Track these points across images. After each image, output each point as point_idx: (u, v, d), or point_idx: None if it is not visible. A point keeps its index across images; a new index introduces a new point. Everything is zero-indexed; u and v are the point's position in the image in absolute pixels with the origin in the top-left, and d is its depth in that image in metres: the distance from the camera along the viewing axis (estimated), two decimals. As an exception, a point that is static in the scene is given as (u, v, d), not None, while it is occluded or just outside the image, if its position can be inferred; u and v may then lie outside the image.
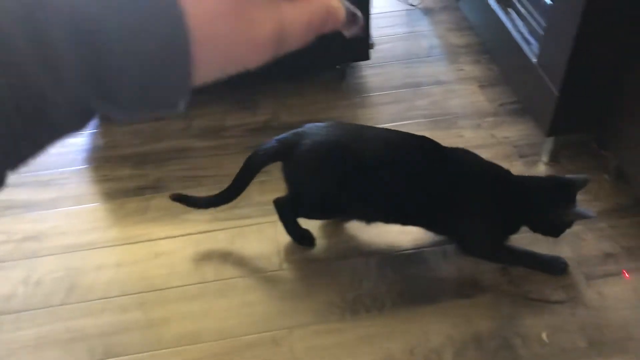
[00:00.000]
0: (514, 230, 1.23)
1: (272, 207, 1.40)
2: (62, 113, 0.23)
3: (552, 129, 1.39)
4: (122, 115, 0.25)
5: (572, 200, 1.16)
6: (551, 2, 1.31)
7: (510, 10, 1.62)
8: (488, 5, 1.65)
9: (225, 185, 1.43)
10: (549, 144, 1.48)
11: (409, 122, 1.64)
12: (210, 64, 0.25)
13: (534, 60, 1.41)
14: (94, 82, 0.23)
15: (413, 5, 2.11)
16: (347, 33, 0.33)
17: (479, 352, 1.14)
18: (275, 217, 1.38)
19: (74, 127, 0.25)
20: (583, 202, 1.39)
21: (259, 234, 1.36)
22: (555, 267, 1.25)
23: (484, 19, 1.74)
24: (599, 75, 1.30)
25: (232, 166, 1.50)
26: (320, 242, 1.34)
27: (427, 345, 1.15)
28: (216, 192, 1.45)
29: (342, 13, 0.31)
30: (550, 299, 1.22)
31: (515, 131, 1.60)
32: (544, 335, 1.16)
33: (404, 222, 1.25)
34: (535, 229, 1.21)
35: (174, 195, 1.28)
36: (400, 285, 1.26)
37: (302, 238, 1.33)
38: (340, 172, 1.16)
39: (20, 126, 0.22)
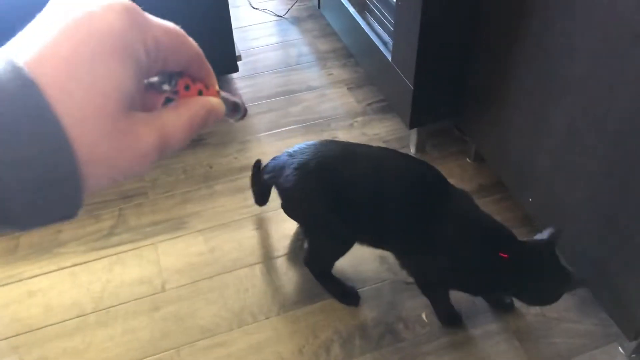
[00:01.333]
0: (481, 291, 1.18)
1: (150, 229, 1.38)
2: None
3: (413, 121, 1.47)
4: (21, 231, 0.27)
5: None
6: (396, 1, 1.39)
7: (366, 13, 1.70)
8: (347, 11, 1.72)
9: (100, 213, 1.39)
10: (414, 135, 1.57)
11: (284, 129, 1.68)
12: (99, 177, 0.27)
13: (390, 58, 1.49)
14: None
15: (280, 16, 2.16)
16: (232, 120, 0.36)
17: (365, 341, 1.18)
18: (155, 239, 1.36)
19: None
20: (449, 186, 1.48)
21: (138, 258, 1.33)
22: None
23: (344, 24, 1.81)
24: (448, 66, 1.39)
25: (105, 193, 1.46)
26: (203, 258, 1.33)
27: (315, 342, 1.18)
28: (92, 221, 1.40)
29: (222, 109, 0.33)
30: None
31: (383, 127, 1.67)
32: (423, 315, 1.22)
33: (382, 246, 1.20)
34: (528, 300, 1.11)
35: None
36: (286, 288, 1.28)
37: (345, 295, 1.24)
38: (329, 192, 1.10)
39: None
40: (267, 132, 1.66)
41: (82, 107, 0.25)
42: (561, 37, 1.04)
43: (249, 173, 1.55)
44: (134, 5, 0.28)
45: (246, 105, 0.37)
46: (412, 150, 1.59)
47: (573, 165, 1.10)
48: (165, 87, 0.31)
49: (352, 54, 1.89)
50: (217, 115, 0.32)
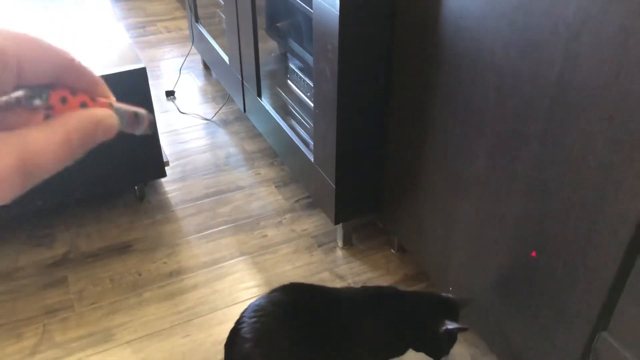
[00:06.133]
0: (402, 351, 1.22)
1: (77, 344, 1.34)
2: None
3: (337, 217, 1.54)
4: None
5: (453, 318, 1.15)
6: (313, 109, 1.49)
7: (288, 116, 1.80)
8: (269, 114, 1.82)
9: (22, 331, 1.34)
10: (340, 230, 1.63)
11: (214, 230, 1.70)
12: None
13: (312, 159, 1.57)
14: None
15: (208, 119, 2.24)
16: (136, 132, 0.32)
17: None
18: (81, 354, 1.32)
19: None
20: (376, 278, 1.54)
21: (64, 376, 1.28)
22: None
23: (268, 126, 1.90)
24: (366, 166, 1.48)
25: (28, 309, 1.42)
26: (132, 370, 1.29)
27: None
28: (13, 341, 1.35)
29: (112, 121, 0.30)
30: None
31: (311, 223, 1.73)
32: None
33: None
34: (418, 348, 1.19)
35: None
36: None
37: None
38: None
39: None
40: (197, 235, 1.68)
41: None
42: (461, 141, 1.15)
43: (180, 277, 1.55)
44: None
45: (150, 115, 0.33)
46: (339, 245, 1.64)
47: (482, 255, 1.18)
48: (37, 102, 0.28)
49: (277, 153, 1.97)
50: (106, 128, 0.29)
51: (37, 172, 0.26)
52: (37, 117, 0.28)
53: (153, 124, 0.33)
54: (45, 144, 0.27)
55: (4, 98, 0.27)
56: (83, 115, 0.28)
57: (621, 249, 0.83)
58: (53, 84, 0.28)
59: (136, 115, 0.32)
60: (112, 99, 0.31)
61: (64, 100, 0.29)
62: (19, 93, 0.27)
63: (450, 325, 1.11)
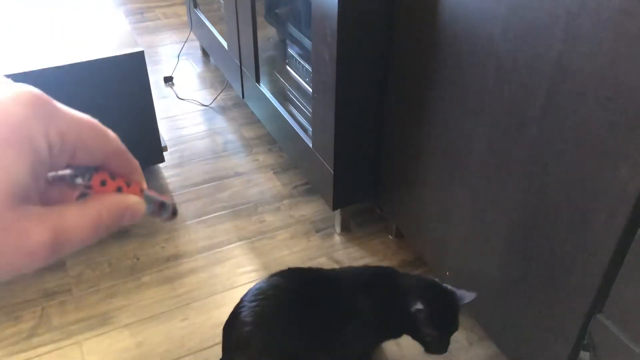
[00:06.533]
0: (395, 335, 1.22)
1: (75, 327, 1.35)
2: None
3: (335, 203, 1.54)
4: None
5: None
6: (312, 94, 1.49)
7: (287, 102, 1.79)
8: (268, 100, 1.81)
9: (21, 314, 1.35)
10: (338, 216, 1.63)
11: (213, 215, 1.70)
12: None
13: (310, 145, 1.57)
14: None
15: (206, 106, 2.23)
16: (160, 220, 0.35)
17: None
18: (79, 337, 1.32)
19: None
20: (373, 264, 1.54)
21: (62, 359, 1.28)
22: None
23: (267, 112, 1.90)
24: (364, 152, 1.48)
25: (26, 292, 1.43)
26: (130, 354, 1.30)
27: None
28: (11, 323, 1.35)
29: (140, 208, 0.31)
30: None
31: (309, 209, 1.73)
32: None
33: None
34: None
35: None
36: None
37: None
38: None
39: None
40: (195, 220, 1.68)
41: None
42: (459, 126, 1.15)
43: (178, 262, 1.56)
44: (42, 96, 0.27)
45: (175, 203, 0.36)
46: (337, 230, 1.65)
47: (479, 240, 1.18)
48: (79, 180, 0.30)
49: (276, 139, 1.97)
50: (133, 214, 0.31)
51: (65, 248, 0.28)
52: (74, 193, 0.30)
53: (176, 212, 0.36)
54: (79, 222, 0.28)
55: (52, 174, 0.29)
56: (116, 199, 0.30)
57: (617, 231, 0.83)
58: (98, 167, 0.31)
59: (162, 204, 0.34)
60: (145, 185, 0.33)
61: (103, 183, 0.31)
62: (66, 171, 0.30)
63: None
